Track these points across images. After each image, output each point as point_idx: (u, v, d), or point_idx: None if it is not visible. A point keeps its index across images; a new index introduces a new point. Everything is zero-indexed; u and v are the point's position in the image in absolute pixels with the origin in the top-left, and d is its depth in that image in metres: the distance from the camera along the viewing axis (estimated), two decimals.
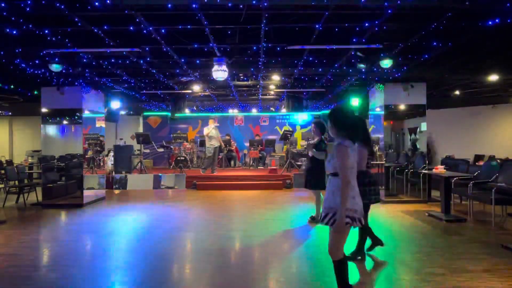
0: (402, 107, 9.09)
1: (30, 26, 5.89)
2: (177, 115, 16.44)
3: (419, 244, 5.31)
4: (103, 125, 10.50)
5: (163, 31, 6.35)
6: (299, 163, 12.90)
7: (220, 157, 14.18)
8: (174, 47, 7.19)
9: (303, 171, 7.25)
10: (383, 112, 8.97)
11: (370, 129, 10.45)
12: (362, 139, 4.31)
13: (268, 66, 9.01)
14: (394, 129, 14.65)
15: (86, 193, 8.86)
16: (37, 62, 7.83)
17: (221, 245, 5.39)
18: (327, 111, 17.24)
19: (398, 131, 14.73)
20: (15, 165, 11.07)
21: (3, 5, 5.06)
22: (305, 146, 13.65)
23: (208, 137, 11.82)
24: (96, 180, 10.43)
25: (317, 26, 6.15)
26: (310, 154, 6.63)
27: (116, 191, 11.05)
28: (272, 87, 12.26)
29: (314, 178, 6.50)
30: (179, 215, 7.72)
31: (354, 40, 6.76)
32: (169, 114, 16.59)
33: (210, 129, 11.77)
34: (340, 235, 3.03)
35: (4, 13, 5.34)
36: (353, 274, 4.09)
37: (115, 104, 12.43)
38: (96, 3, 5.04)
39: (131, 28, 6.13)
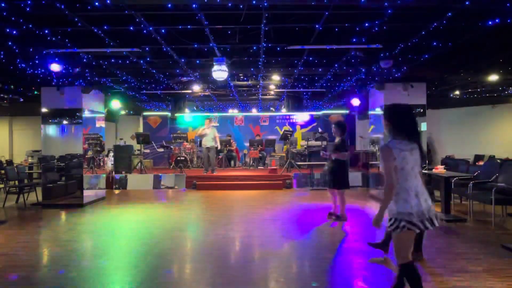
0: None
1: (30, 26, 5.88)
2: (177, 115, 16.47)
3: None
4: (103, 125, 10.50)
5: (163, 31, 6.35)
6: (300, 163, 12.87)
7: (220, 157, 14.17)
8: (174, 47, 7.18)
9: (325, 171, 7.30)
10: (383, 112, 8.96)
11: (370, 129, 10.49)
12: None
13: (268, 66, 8.99)
14: None
15: (86, 193, 8.86)
16: (37, 62, 7.82)
17: (221, 245, 5.39)
18: (327, 111, 17.20)
19: None
20: (15, 165, 11.07)
21: (3, 5, 5.05)
22: (305, 146, 13.63)
23: (201, 137, 11.93)
24: (94, 180, 10.43)
25: (317, 26, 6.14)
26: (332, 156, 6.59)
27: (116, 191, 11.05)
28: (272, 87, 12.25)
29: (336, 178, 6.53)
30: (179, 215, 7.71)
31: (354, 40, 6.75)
32: (169, 114, 16.60)
33: (202, 130, 11.82)
34: (398, 240, 2.90)
35: (4, 13, 5.34)
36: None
37: (115, 104, 12.44)
38: (96, 3, 5.03)
39: (131, 28, 6.13)
